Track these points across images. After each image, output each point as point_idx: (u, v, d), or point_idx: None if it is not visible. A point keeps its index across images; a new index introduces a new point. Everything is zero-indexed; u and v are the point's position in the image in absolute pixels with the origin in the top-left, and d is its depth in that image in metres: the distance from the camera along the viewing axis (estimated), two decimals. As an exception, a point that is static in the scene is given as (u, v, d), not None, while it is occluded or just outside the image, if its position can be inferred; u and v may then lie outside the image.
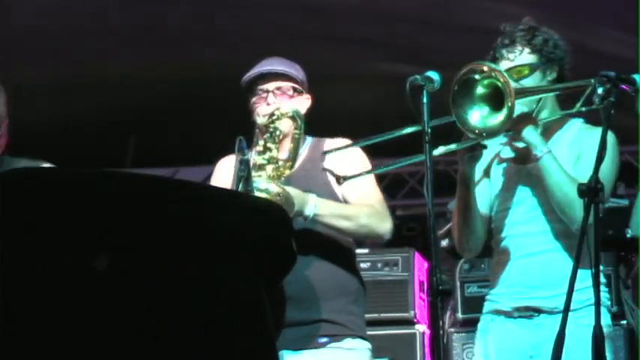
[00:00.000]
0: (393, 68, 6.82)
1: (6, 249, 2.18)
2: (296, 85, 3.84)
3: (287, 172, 3.66)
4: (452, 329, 6.13)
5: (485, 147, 3.57)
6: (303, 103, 3.86)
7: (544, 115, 3.62)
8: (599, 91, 3.28)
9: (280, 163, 3.66)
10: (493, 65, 3.50)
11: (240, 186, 3.43)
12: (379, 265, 6.17)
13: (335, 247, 3.78)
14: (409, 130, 3.47)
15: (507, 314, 3.66)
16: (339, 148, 3.74)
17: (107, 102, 7.65)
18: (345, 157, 3.76)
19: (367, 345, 3.80)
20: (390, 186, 7.64)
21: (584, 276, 3.37)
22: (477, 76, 3.44)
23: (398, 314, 6.07)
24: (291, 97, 3.81)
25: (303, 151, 3.85)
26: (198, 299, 2.25)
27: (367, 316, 3.90)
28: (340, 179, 3.64)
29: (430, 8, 6.56)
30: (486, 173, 3.75)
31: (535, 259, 3.64)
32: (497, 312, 3.68)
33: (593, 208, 3.13)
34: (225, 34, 6.94)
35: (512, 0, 5.78)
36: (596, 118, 3.49)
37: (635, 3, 5.47)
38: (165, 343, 2.19)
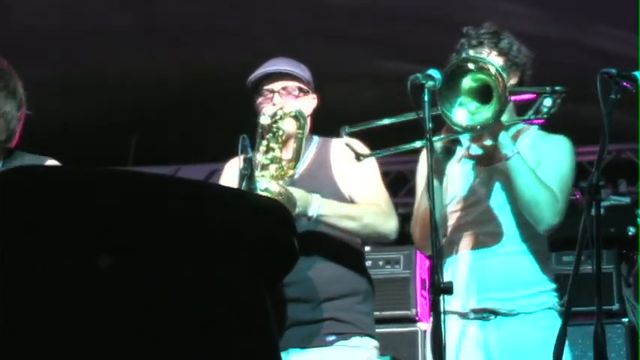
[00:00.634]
0: (393, 67, 6.82)
1: (6, 249, 2.18)
2: (302, 85, 3.83)
3: (290, 172, 3.65)
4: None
5: (460, 143, 3.55)
6: (309, 103, 3.86)
7: (504, 119, 3.52)
8: (548, 103, 3.38)
9: (283, 163, 3.66)
10: (482, 58, 3.47)
11: (244, 184, 3.43)
12: (381, 262, 6.17)
13: (343, 247, 3.78)
14: (418, 144, 3.44)
15: (463, 315, 3.59)
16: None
17: (107, 102, 7.66)
18: (352, 157, 3.73)
19: (374, 343, 3.79)
20: (391, 184, 7.63)
21: (542, 280, 3.58)
22: (470, 66, 3.40)
23: (399, 312, 6.06)
24: (297, 97, 3.81)
25: (310, 151, 3.85)
26: (199, 299, 2.25)
27: (369, 314, 3.90)
28: (360, 156, 3.61)
29: (430, 7, 6.57)
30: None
31: (495, 260, 3.57)
32: (452, 312, 3.54)
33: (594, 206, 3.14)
34: (225, 34, 6.95)
35: (513, -1, 5.78)
36: (549, 124, 3.56)
37: (635, 2, 5.48)
38: (165, 343, 2.19)
